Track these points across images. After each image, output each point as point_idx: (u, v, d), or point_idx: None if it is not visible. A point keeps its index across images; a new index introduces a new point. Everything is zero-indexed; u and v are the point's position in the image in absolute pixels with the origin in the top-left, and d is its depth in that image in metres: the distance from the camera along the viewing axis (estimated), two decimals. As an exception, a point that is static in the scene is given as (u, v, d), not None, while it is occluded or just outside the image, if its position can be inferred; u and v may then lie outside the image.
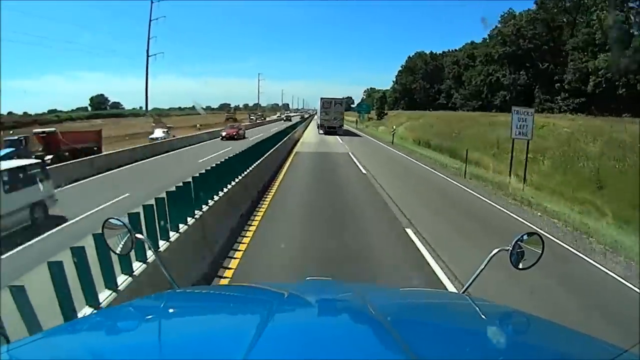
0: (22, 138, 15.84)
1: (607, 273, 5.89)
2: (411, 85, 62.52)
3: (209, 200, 6.02)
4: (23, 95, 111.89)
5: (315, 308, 1.25)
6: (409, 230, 7.25)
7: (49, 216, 8.71)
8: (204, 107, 63.27)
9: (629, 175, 13.89)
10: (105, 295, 2.90)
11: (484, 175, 14.52)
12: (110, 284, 2.99)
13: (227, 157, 8.11)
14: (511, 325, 1.19)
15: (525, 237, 1.48)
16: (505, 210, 9.52)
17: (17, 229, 7.71)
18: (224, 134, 27.59)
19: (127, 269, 3.28)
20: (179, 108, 63.28)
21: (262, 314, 1.02)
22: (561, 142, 19.35)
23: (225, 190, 7.00)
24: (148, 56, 47.87)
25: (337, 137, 29.94)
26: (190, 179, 5.42)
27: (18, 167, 8.56)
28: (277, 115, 68.69)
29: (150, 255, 3.50)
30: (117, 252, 1.51)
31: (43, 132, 16.86)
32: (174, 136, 25.90)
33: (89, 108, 55.28)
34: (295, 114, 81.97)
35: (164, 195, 4.37)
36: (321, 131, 33.33)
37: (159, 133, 25.40)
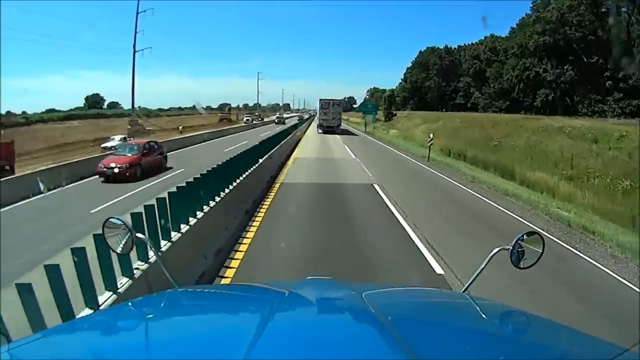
0: None
1: None
2: (423, 83, 56.66)
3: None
4: (23, 94, 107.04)
5: (315, 307, 1.23)
6: None
7: None
8: (204, 107, 62.32)
9: None
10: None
11: (590, 226, 8.73)
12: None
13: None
14: (511, 324, 1.18)
15: (525, 236, 1.45)
16: None
17: None
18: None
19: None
20: (179, 108, 61.34)
21: (262, 313, 1.02)
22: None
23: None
24: (135, 51, 43.75)
25: (349, 151, 21.46)
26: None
27: None
28: (277, 115, 62.81)
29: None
30: (118, 251, 1.52)
31: None
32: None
33: (87, 108, 52.49)
34: (294, 114, 76.59)
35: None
36: (320, 131, 33.58)
37: (115, 141, 19.84)
